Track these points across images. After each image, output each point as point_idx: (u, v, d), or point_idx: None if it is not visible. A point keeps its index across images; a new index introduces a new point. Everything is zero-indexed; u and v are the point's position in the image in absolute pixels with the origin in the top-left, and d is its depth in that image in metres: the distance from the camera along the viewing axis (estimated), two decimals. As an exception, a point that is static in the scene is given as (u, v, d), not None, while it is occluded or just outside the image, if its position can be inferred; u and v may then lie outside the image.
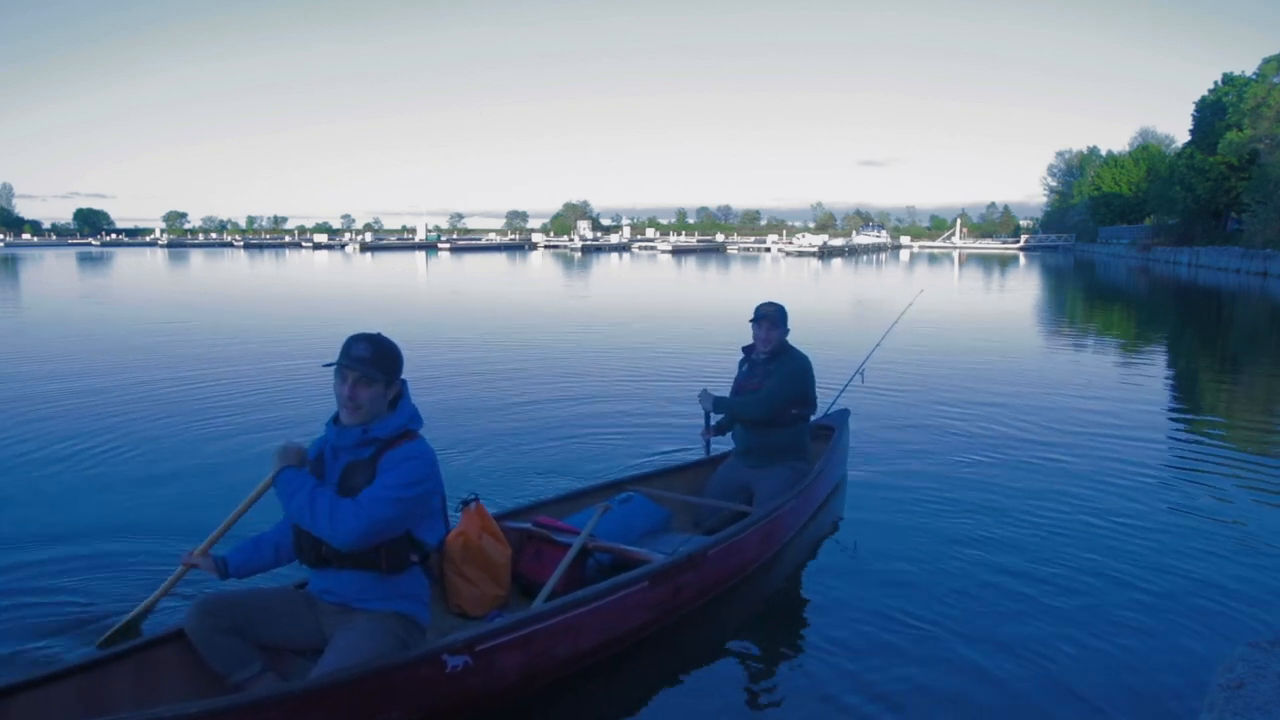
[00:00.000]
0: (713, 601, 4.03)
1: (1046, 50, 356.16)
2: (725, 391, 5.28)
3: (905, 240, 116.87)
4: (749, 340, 5.19)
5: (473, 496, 4.01)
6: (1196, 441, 7.49)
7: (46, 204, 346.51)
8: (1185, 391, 10.79)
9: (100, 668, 2.80)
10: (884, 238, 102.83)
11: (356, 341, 2.85)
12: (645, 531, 4.49)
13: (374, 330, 3.00)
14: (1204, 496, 5.75)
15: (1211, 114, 53.83)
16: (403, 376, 2.98)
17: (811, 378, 5.05)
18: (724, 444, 5.51)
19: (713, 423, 5.42)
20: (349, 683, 2.68)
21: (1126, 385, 10.49)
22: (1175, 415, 8.89)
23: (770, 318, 4.95)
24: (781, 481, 4.84)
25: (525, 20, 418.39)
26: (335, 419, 2.93)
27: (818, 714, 3.20)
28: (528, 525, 4.18)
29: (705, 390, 5.15)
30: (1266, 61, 49.73)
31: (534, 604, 3.45)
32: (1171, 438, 7.68)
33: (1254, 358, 14.24)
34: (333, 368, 2.87)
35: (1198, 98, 57.64)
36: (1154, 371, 12.15)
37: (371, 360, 2.82)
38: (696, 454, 5.65)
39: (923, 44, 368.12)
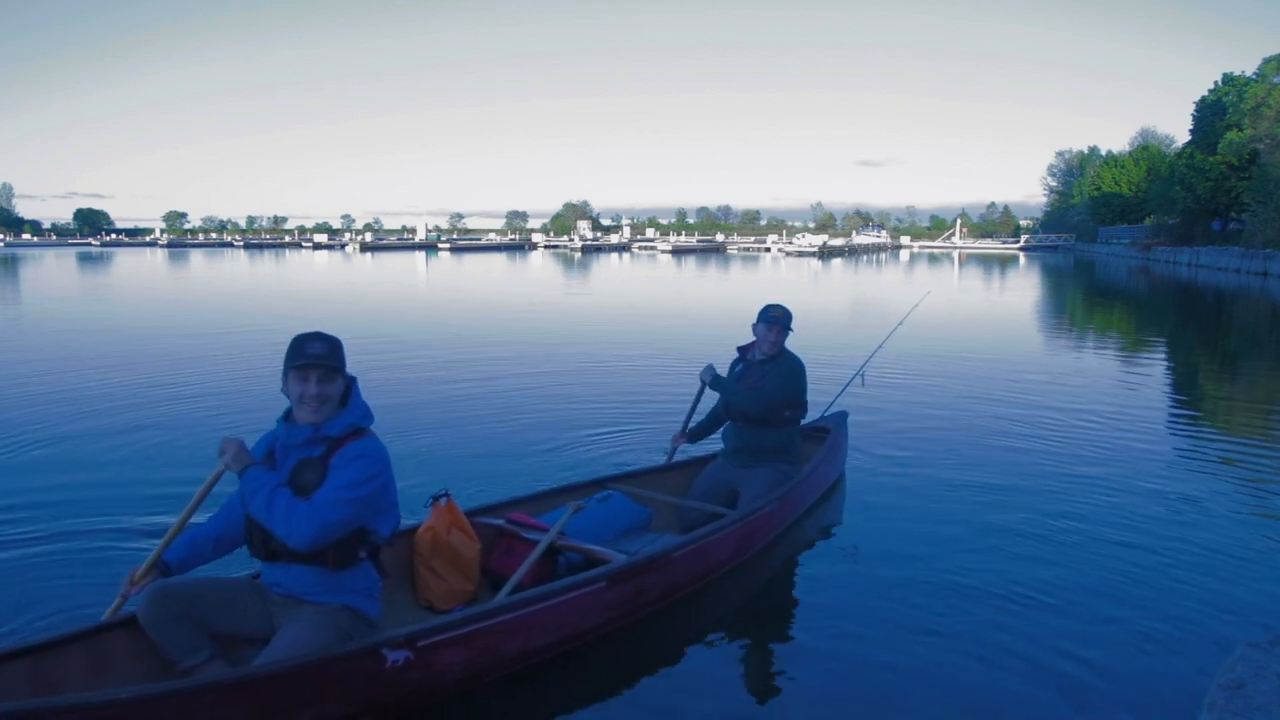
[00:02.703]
0: (682, 601, 3.99)
1: (1046, 50, 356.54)
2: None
3: (905, 240, 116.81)
4: (746, 339, 5.18)
5: (444, 492, 4.04)
6: (1197, 441, 7.49)
7: (46, 204, 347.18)
8: (1186, 392, 10.79)
9: (51, 649, 2.83)
10: (884, 238, 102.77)
11: (310, 340, 2.91)
12: (624, 530, 4.45)
13: (327, 328, 3.08)
14: (1204, 496, 5.74)
15: (1211, 114, 53.85)
16: (354, 373, 3.05)
17: (805, 381, 5.06)
18: (698, 450, 5.46)
19: (691, 424, 5.38)
20: (285, 673, 2.70)
21: (1128, 386, 10.49)
22: (1176, 415, 8.90)
23: (781, 321, 4.94)
24: (766, 483, 4.81)
25: (525, 20, 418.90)
26: (286, 416, 2.99)
27: (770, 714, 3.19)
28: (500, 522, 4.18)
29: (710, 365, 5.09)
30: (1266, 61, 49.77)
31: (493, 600, 3.45)
32: (1172, 438, 7.67)
33: (1254, 357, 14.24)
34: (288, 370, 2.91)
35: (1198, 98, 57.76)
36: (1155, 372, 12.15)
37: (330, 355, 2.89)
38: (682, 453, 5.59)
39: (921, 44, 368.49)
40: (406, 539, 3.86)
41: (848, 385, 6.73)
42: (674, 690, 3.37)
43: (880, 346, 7.28)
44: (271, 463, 2.98)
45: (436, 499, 3.99)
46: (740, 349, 5.20)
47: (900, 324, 7.81)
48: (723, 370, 5.23)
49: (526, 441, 6.95)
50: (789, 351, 5.06)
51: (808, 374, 5.09)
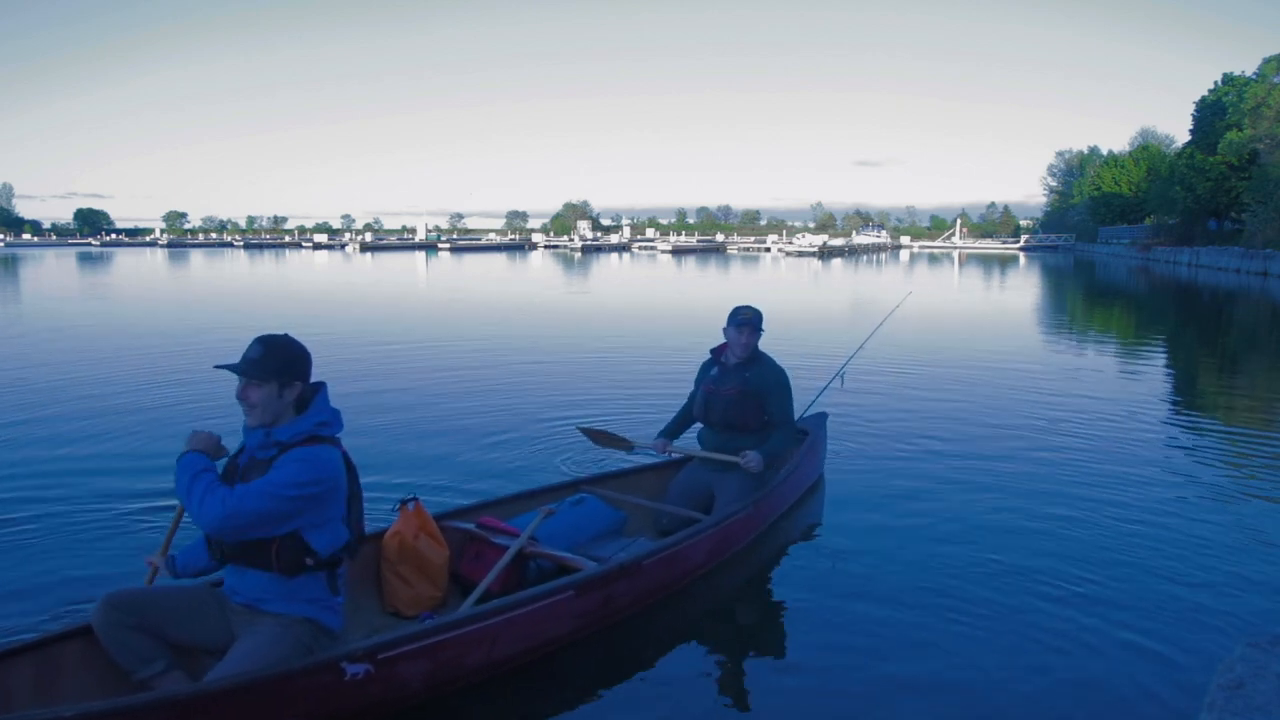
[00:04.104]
0: (655, 606, 3.92)
1: (1046, 50, 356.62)
2: (687, 386, 5.21)
3: (905, 240, 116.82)
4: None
5: (412, 496, 3.98)
6: (1195, 440, 7.42)
7: (46, 204, 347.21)
8: (1184, 391, 10.72)
9: (1, 662, 2.76)
10: (884, 238, 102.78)
11: (252, 344, 2.89)
12: (597, 534, 4.37)
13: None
14: (1201, 495, 5.68)
15: (1211, 114, 53.86)
16: (319, 380, 2.99)
17: (791, 394, 5.00)
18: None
19: (666, 429, 5.20)
20: (242, 688, 2.62)
21: (1123, 386, 10.43)
22: (1171, 415, 8.81)
23: (753, 323, 4.87)
24: (743, 486, 4.73)
25: (525, 20, 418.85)
26: None
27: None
28: (470, 526, 4.11)
29: (753, 453, 4.63)
30: (1266, 61, 49.81)
31: (460, 608, 3.38)
32: (1169, 437, 7.58)
33: (1254, 357, 14.20)
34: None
35: (1198, 98, 57.77)
36: (1152, 371, 12.09)
37: (259, 361, 2.84)
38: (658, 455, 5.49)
39: (921, 44, 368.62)
40: (373, 544, 3.80)
41: (826, 387, 6.66)
42: (644, 698, 3.30)
43: (860, 348, 7.19)
44: (238, 462, 2.94)
45: (404, 503, 3.92)
46: (714, 351, 5.10)
47: (880, 326, 7.72)
48: (693, 373, 5.16)
49: (503, 441, 6.89)
50: (769, 358, 4.97)
51: (788, 375, 5.00)
